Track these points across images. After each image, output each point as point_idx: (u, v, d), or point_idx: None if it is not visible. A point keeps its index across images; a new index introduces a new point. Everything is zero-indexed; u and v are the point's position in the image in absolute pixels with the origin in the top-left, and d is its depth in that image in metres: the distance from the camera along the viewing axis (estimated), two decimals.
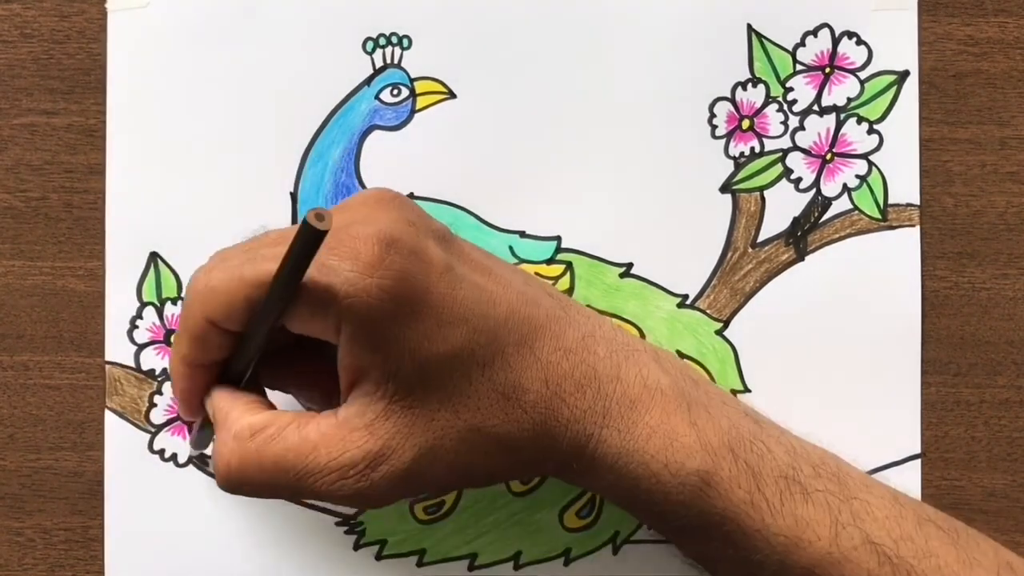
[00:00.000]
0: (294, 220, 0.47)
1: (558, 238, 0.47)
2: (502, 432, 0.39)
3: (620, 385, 0.40)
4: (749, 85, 0.47)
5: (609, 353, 0.40)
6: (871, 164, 0.48)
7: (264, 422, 0.39)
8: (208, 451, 0.45)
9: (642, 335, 0.47)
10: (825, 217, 0.48)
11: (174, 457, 0.47)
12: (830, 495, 0.40)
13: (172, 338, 0.40)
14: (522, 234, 0.47)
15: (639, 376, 0.40)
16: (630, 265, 0.47)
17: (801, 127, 0.48)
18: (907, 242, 0.48)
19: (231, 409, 0.40)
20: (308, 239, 0.35)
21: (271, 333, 0.38)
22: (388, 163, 0.47)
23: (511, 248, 0.47)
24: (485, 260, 0.41)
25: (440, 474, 0.39)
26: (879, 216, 0.48)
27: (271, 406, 0.41)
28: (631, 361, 0.41)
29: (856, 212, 0.48)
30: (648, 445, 0.39)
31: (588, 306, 0.46)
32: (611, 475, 0.40)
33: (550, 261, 0.47)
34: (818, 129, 0.48)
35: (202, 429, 0.43)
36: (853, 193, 0.48)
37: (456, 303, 0.38)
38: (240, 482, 0.39)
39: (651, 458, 0.39)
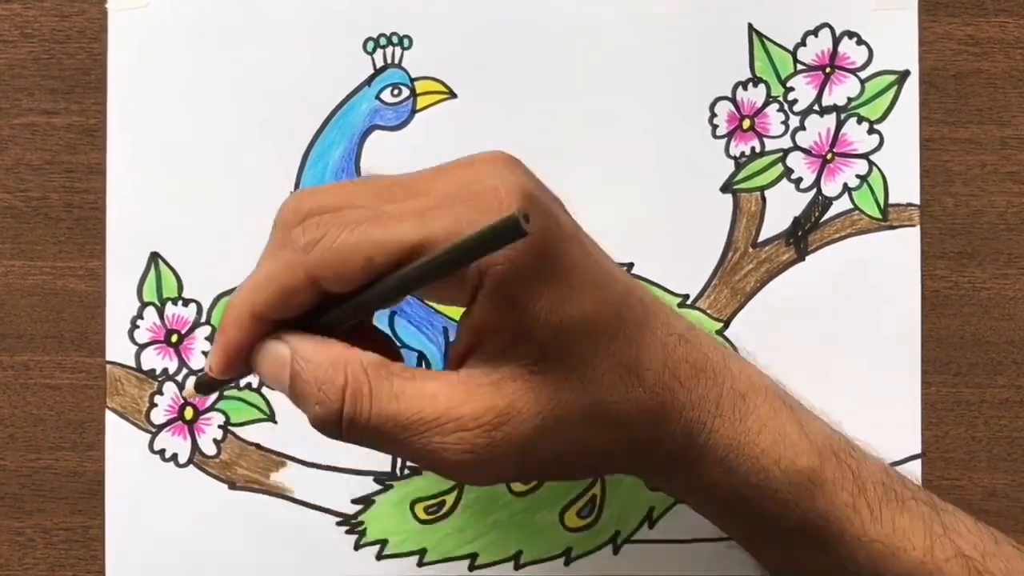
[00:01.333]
0: None
1: None
2: (622, 410, 0.36)
3: (731, 376, 0.39)
4: (750, 85, 0.47)
5: (715, 346, 0.39)
6: (871, 164, 0.48)
7: (378, 359, 0.35)
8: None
9: None
10: (826, 217, 0.48)
11: (174, 457, 0.47)
12: (923, 505, 0.40)
13: (243, 285, 0.35)
14: None
15: (744, 371, 0.39)
16: (631, 265, 0.47)
17: (802, 127, 0.48)
18: (907, 242, 0.48)
19: (331, 346, 0.35)
20: (507, 236, 0.31)
21: (378, 305, 0.35)
22: (388, 163, 0.47)
23: None
24: (593, 239, 0.39)
25: (558, 449, 0.36)
26: (879, 216, 0.48)
27: None
28: (734, 358, 0.40)
29: (856, 212, 0.48)
30: (759, 439, 0.38)
31: None
32: (718, 469, 0.38)
33: None
34: (819, 129, 0.48)
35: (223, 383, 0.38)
36: (853, 193, 0.48)
37: (586, 271, 0.36)
38: (351, 420, 0.34)
39: (762, 452, 0.38)
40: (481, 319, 0.35)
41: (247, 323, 0.35)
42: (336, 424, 0.35)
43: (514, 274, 0.34)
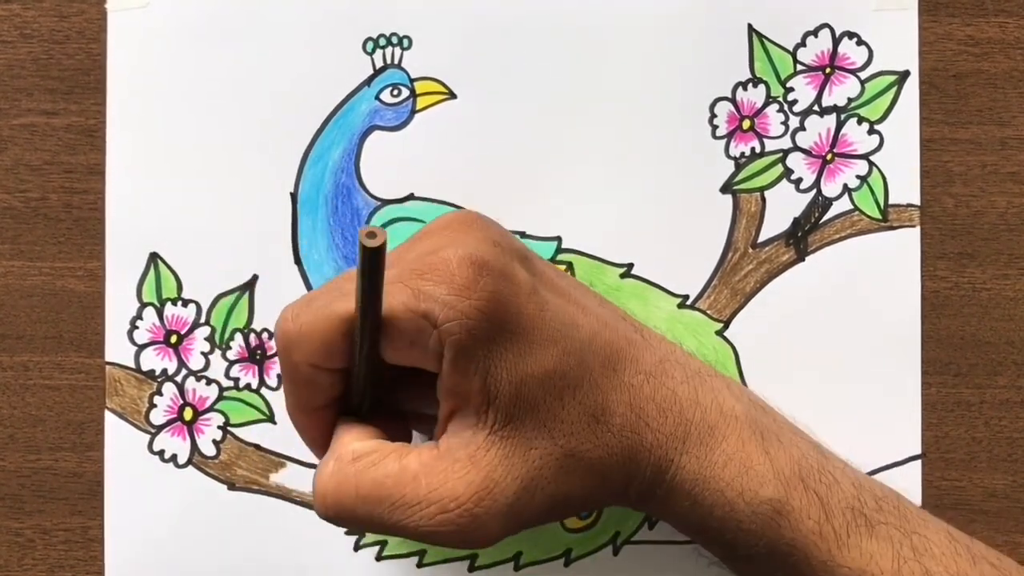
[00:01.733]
0: (294, 220, 0.47)
1: (558, 238, 0.47)
2: (594, 457, 0.38)
3: (699, 410, 0.40)
4: (750, 85, 0.47)
5: (686, 377, 0.40)
6: (871, 164, 0.48)
7: (369, 449, 0.38)
8: None
9: None
10: (826, 217, 0.48)
11: (174, 458, 0.47)
12: (893, 528, 0.40)
13: (284, 392, 0.39)
14: (523, 235, 0.47)
15: (715, 402, 0.40)
16: (631, 266, 0.47)
17: (802, 127, 0.48)
18: (907, 242, 0.48)
19: (342, 435, 0.38)
20: (367, 259, 0.34)
21: (375, 364, 0.37)
22: (388, 163, 0.47)
23: None
24: (562, 281, 0.40)
25: (541, 506, 0.38)
26: (879, 216, 0.48)
27: (387, 437, 0.39)
28: (706, 387, 0.40)
29: (856, 212, 0.48)
30: (724, 472, 0.39)
31: None
32: (687, 502, 0.39)
33: (551, 261, 0.47)
34: (819, 129, 0.48)
35: None
36: (853, 193, 0.48)
37: (544, 325, 0.38)
38: (337, 507, 0.37)
39: (726, 485, 0.39)
40: (449, 386, 0.37)
41: (305, 420, 0.39)
42: (324, 515, 0.38)
43: (469, 339, 0.36)
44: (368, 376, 0.38)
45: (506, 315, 0.37)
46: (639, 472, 0.39)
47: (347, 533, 0.47)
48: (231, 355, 0.47)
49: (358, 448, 0.38)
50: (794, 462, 0.40)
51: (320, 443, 0.39)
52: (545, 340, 0.37)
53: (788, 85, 0.48)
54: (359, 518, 0.37)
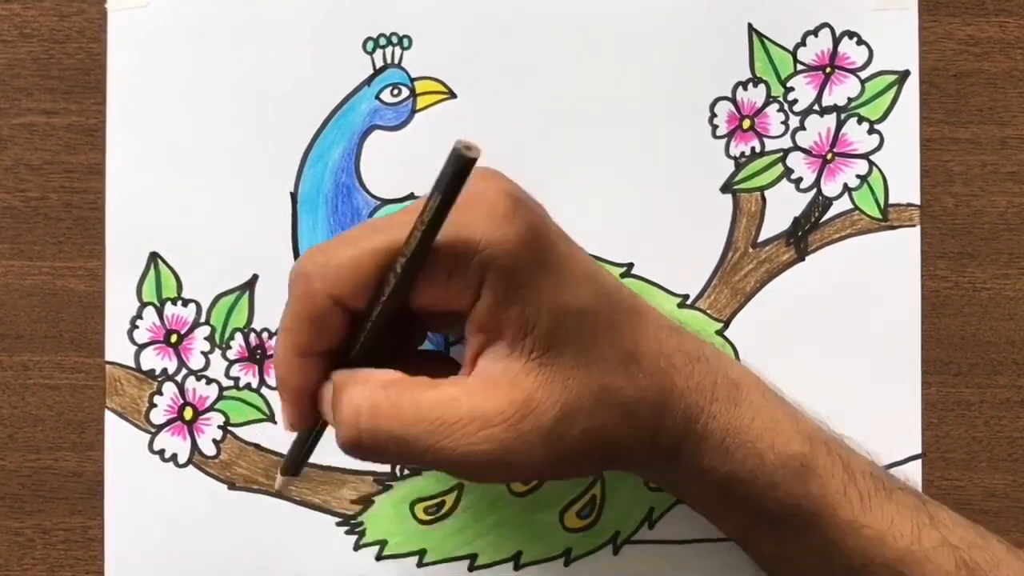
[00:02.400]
0: (294, 220, 0.47)
1: None
2: (627, 395, 0.38)
3: (723, 365, 0.40)
4: (750, 85, 0.47)
5: (704, 341, 0.41)
6: (872, 164, 0.48)
7: (397, 377, 0.37)
8: (299, 477, 0.43)
9: None
10: (826, 217, 0.48)
11: (174, 457, 0.47)
12: (910, 496, 0.41)
13: (278, 337, 0.38)
14: None
15: (732, 362, 0.41)
16: (631, 265, 0.47)
17: (802, 127, 0.48)
18: (907, 242, 0.48)
19: (356, 373, 0.37)
20: (455, 172, 0.33)
21: (394, 311, 0.36)
22: (388, 163, 0.47)
23: None
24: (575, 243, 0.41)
25: (579, 440, 0.37)
26: (879, 216, 0.48)
27: None
28: (720, 353, 0.41)
29: (857, 212, 0.48)
30: (754, 424, 0.39)
31: None
32: (716, 455, 0.39)
33: None
34: (819, 129, 0.48)
35: (304, 443, 0.40)
36: (854, 193, 0.48)
37: (576, 264, 0.38)
38: (372, 432, 0.36)
39: (756, 437, 0.39)
40: (487, 316, 0.36)
41: (296, 363, 0.37)
42: (356, 441, 0.36)
43: (513, 265, 0.36)
44: (383, 323, 0.37)
45: (543, 247, 0.36)
46: (670, 418, 0.39)
47: (373, 476, 0.47)
48: (231, 355, 0.47)
49: (386, 376, 0.37)
50: (814, 427, 0.41)
51: (301, 397, 0.38)
52: (579, 277, 0.37)
53: (788, 85, 0.48)
54: (395, 441, 0.36)
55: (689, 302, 0.47)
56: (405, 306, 0.37)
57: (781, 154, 0.48)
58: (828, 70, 0.48)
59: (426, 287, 0.36)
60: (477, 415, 0.36)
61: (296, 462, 0.41)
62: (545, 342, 0.36)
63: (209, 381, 0.47)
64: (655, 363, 0.39)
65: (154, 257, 0.47)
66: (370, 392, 0.36)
